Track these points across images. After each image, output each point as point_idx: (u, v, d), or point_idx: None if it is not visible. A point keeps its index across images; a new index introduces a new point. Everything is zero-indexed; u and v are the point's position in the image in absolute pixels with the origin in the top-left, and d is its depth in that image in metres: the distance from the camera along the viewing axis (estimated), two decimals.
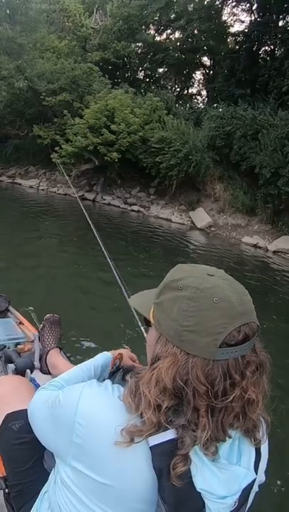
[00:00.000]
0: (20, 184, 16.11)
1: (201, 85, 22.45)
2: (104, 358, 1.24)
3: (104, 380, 0.98)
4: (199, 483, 0.75)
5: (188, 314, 0.77)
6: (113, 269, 2.29)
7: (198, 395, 0.75)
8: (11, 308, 2.77)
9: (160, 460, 0.77)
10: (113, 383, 0.92)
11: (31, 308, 3.45)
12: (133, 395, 0.81)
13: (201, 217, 13.20)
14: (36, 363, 1.79)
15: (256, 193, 12.90)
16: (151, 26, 22.43)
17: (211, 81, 20.89)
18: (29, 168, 17.12)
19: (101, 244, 2.14)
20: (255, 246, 11.71)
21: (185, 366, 0.76)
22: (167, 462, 0.75)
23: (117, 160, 13.10)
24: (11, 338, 2.30)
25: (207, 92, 21.52)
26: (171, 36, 22.96)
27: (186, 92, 22.28)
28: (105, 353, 1.27)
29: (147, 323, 0.93)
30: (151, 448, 0.78)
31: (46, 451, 1.19)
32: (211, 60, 21.70)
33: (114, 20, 19.24)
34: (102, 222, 11.61)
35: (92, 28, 16.82)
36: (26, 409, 1.11)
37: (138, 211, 13.86)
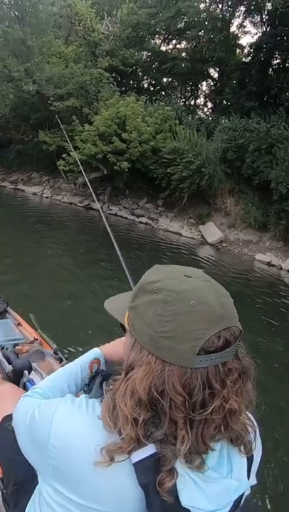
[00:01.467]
0: (23, 191, 15.56)
1: (207, 96, 22.09)
2: (93, 355, 1.20)
3: (89, 383, 1.07)
4: (185, 499, 0.71)
5: (164, 319, 0.72)
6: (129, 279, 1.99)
7: (175, 407, 0.70)
8: (9, 309, 2.78)
9: (145, 476, 0.72)
10: (90, 390, 0.92)
11: (30, 309, 3.31)
12: (110, 413, 0.76)
13: (212, 231, 12.76)
14: (34, 364, 1.81)
15: (269, 208, 12.52)
16: (158, 35, 22.19)
17: (219, 92, 20.62)
18: (32, 174, 16.58)
19: (120, 257, 1.98)
20: (268, 264, 11.30)
21: (161, 376, 0.71)
22: (153, 477, 0.71)
23: (127, 170, 12.61)
24: (9, 339, 2.32)
25: (214, 103, 21.20)
26: (178, 46, 22.78)
27: (193, 102, 21.92)
28: (95, 349, 1.23)
29: (123, 328, 0.90)
30: (134, 465, 0.73)
31: None
32: (218, 71, 21.45)
33: (123, 27, 18.95)
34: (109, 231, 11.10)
35: (103, 33, 16.40)
36: None
37: (146, 223, 13.37)
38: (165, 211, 14.01)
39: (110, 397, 0.78)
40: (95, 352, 1.22)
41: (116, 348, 1.22)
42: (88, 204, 14.13)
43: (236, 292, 7.46)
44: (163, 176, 13.09)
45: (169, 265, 0.83)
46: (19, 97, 15.19)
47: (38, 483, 1.00)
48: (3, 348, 2.22)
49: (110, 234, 2.86)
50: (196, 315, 0.71)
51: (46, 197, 15.08)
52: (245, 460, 0.82)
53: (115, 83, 16.23)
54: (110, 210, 13.91)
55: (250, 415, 0.82)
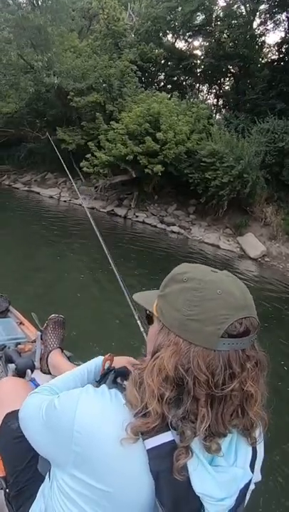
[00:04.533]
0: (38, 193, 14.13)
1: (228, 95, 20.86)
2: (97, 363, 1.22)
3: (100, 380, 1.12)
4: (197, 486, 0.75)
5: (193, 304, 0.79)
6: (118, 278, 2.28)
7: (199, 384, 0.76)
8: (11, 308, 2.77)
9: (157, 463, 0.77)
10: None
11: (32, 308, 3.06)
12: (137, 387, 0.81)
13: (253, 244, 11.48)
14: (37, 363, 1.79)
15: None
16: (177, 31, 20.96)
17: (242, 91, 19.44)
18: (46, 175, 15.17)
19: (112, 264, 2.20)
20: None
21: (187, 355, 0.77)
22: (165, 464, 0.76)
23: (160, 173, 11.28)
24: (12, 338, 2.32)
25: (237, 102, 19.97)
26: (195, 42, 21.57)
27: (216, 101, 20.71)
28: (99, 357, 1.24)
29: (149, 319, 0.94)
30: (148, 451, 0.78)
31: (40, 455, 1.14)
32: (239, 70, 20.27)
33: (142, 20, 17.72)
34: (138, 243, 9.92)
35: (126, 24, 15.08)
36: None
37: (178, 233, 12.03)
38: (197, 219, 12.70)
39: (137, 374, 0.83)
40: (100, 358, 1.23)
41: (119, 360, 1.24)
42: (112, 210, 12.79)
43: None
44: (199, 182, 11.78)
45: (197, 263, 0.90)
46: (35, 91, 13.82)
47: (38, 483, 1.09)
48: (5, 347, 2.20)
49: (98, 235, 3.06)
50: (222, 302, 0.77)
51: (64, 201, 13.68)
52: (250, 450, 0.86)
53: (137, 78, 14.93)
54: (137, 216, 12.58)
55: None
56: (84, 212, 12.53)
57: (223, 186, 11.31)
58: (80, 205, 13.28)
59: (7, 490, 1.27)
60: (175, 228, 12.14)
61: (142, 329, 1.83)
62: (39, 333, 1.94)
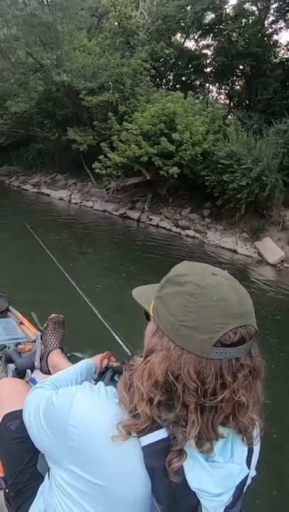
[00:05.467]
0: (48, 195, 13.77)
1: (240, 95, 20.48)
2: (86, 364, 1.25)
3: (98, 378, 1.22)
4: (193, 482, 0.76)
5: (187, 310, 0.77)
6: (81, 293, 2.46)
7: (188, 392, 0.75)
8: (11, 308, 2.77)
9: (152, 460, 0.77)
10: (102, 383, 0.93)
11: (31, 308, 3.02)
12: (127, 388, 0.81)
13: (271, 249, 11.07)
14: (37, 363, 1.80)
15: None
16: (186, 30, 20.59)
17: (254, 91, 19.06)
18: (56, 176, 14.80)
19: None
20: None
21: (178, 362, 0.76)
22: (160, 461, 0.75)
23: (176, 176, 10.89)
24: (12, 338, 2.33)
25: (249, 102, 19.58)
26: (203, 42, 21.17)
27: (228, 101, 20.32)
28: (87, 360, 1.29)
29: (147, 316, 0.92)
30: (143, 448, 0.78)
31: (40, 453, 1.18)
32: (252, 69, 19.87)
33: (152, 18, 17.35)
34: (152, 247, 9.58)
35: (139, 21, 14.69)
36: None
37: (194, 237, 11.64)
38: (212, 223, 12.29)
39: (128, 376, 0.83)
40: (88, 362, 1.28)
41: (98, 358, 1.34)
42: (124, 213, 12.41)
43: None
44: (216, 184, 11.38)
45: (198, 262, 0.88)
46: (45, 90, 13.45)
47: (37, 483, 1.10)
48: (5, 347, 2.21)
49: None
50: (217, 309, 0.75)
51: (75, 203, 13.32)
52: (246, 448, 0.86)
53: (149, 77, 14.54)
54: (150, 220, 12.19)
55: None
56: (95, 215, 12.21)
57: (241, 189, 10.89)
58: (91, 207, 12.93)
59: (7, 490, 1.27)
60: (190, 232, 11.74)
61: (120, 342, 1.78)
62: (39, 333, 1.94)
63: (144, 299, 0.92)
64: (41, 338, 1.86)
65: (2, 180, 15.24)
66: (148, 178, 11.55)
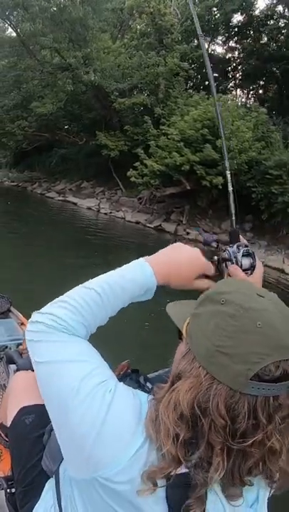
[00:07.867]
0: (75, 203, 12.81)
1: (271, 100, 19.52)
2: (139, 266, 0.89)
3: None
4: None
5: (225, 334, 0.66)
6: None
7: (215, 430, 0.65)
8: (12, 308, 2.78)
9: (173, 492, 0.70)
10: None
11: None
12: (153, 424, 0.70)
13: None
14: None
15: None
16: (215, 30, 19.76)
17: (286, 96, 18.12)
18: (82, 183, 13.84)
19: None
20: None
21: (207, 392, 0.65)
22: (179, 497, 0.69)
23: (220, 186, 9.88)
24: (13, 339, 2.32)
25: (282, 107, 18.62)
26: (235, 43, 20.30)
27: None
28: (141, 260, 0.90)
29: (180, 335, 0.80)
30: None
31: (45, 451, 1.09)
32: (283, 72, 18.96)
33: (182, 19, 16.53)
34: None
35: (173, 19, 13.78)
36: (40, 404, 1.05)
37: None
38: (254, 238, 11.26)
39: (154, 406, 0.73)
40: (140, 264, 0.89)
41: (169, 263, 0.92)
42: (160, 225, 11.42)
43: None
44: (262, 196, 10.36)
45: (244, 281, 0.82)
46: (71, 92, 12.53)
47: (46, 481, 1.02)
48: (6, 347, 2.22)
49: None
50: (259, 337, 0.65)
51: (105, 213, 12.33)
52: (268, 492, 0.79)
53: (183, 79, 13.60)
54: (188, 233, 11.17)
55: None
56: (127, 227, 11.21)
57: None
58: (123, 218, 11.95)
59: (7, 490, 1.25)
60: None
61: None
62: None
63: (178, 316, 0.80)
64: None
65: (24, 186, 14.32)
66: (188, 188, 10.55)
